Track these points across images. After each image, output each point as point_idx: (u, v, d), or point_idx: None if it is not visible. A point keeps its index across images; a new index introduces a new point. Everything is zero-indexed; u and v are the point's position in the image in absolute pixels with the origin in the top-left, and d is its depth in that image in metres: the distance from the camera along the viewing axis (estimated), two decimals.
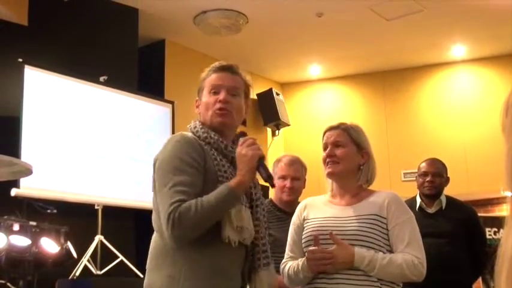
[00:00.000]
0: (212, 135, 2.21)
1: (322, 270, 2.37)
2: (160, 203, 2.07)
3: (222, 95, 2.24)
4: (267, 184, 2.20)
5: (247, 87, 2.36)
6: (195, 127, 2.26)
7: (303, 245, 2.50)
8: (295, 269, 2.45)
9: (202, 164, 2.12)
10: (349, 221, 2.42)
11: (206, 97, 2.27)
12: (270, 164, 3.03)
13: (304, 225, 2.53)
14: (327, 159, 2.50)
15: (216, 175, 2.12)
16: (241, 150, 2.14)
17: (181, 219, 1.98)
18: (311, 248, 2.39)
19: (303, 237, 2.51)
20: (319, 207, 2.55)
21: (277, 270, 3.03)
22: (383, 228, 2.39)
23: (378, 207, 2.42)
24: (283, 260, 2.57)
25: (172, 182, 2.05)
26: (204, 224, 2.02)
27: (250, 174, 2.11)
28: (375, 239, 2.36)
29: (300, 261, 2.45)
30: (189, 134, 2.22)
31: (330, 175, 2.51)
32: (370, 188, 2.58)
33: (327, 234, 2.38)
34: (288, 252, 2.59)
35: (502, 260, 0.82)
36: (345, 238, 2.36)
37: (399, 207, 2.45)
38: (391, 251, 2.39)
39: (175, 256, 2.08)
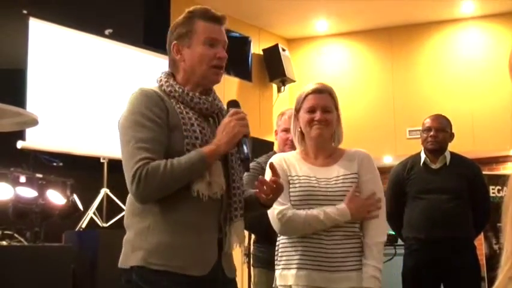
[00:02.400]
0: (176, 89, 2.11)
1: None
2: (124, 162, 2.03)
3: (222, 51, 2.12)
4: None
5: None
6: (161, 80, 2.17)
7: (296, 203, 2.50)
8: (321, 217, 2.44)
9: (165, 118, 2.04)
10: (336, 182, 2.52)
11: (200, 48, 2.12)
12: (274, 118, 3.02)
13: (290, 180, 2.55)
14: (316, 123, 2.54)
15: (181, 129, 2.04)
16: (230, 121, 2.04)
17: (148, 179, 1.94)
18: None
19: (294, 194, 2.52)
20: (298, 165, 2.59)
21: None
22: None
23: (355, 165, 2.57)
24: (281, 208, 2.48)
25: (134, 139, 1.99)
26: (170, 186, 1.98)
27: (227, 146, 2.03)
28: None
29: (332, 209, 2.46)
30: (149, 88, 2.12)
31: (318, 137, 2.56)
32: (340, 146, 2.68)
33: (317, 195, 2.49)
34: (282, 202, 2.47)
35: (509, 193, 0.82)
36: (334, 199, 2.48)
37: (370, 163, 2.60)
38: None
39: (144, 212, 2.06)
